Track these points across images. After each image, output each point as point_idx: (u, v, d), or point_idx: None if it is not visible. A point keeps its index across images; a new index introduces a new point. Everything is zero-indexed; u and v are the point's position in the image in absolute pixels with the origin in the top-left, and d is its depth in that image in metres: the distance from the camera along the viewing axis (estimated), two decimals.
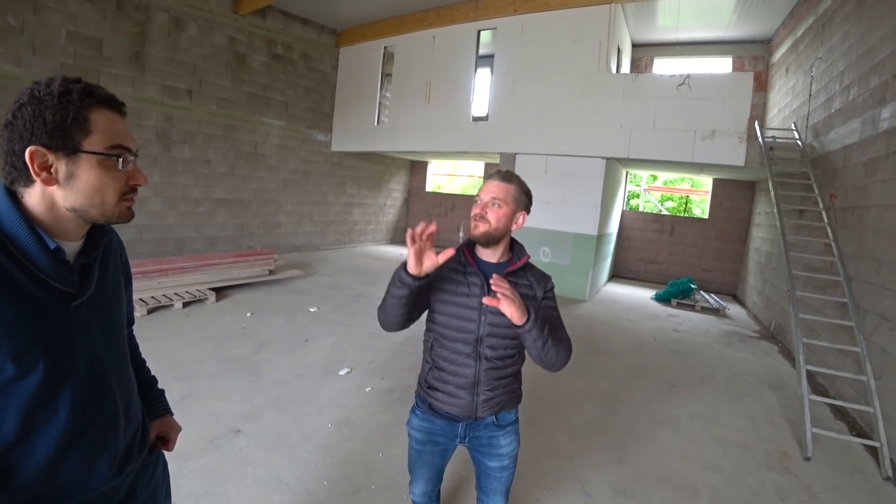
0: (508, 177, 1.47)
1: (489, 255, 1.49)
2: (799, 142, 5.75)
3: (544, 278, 1.53)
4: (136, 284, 5.01)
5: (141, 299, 4.85)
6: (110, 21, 6.22)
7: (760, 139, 5.68)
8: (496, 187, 1.44)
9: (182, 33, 7.05)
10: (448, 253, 1.30)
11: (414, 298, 1.37)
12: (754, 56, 8.46)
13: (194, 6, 7.14)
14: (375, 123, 9.41)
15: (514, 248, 1.54)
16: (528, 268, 1.52)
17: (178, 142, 7.20)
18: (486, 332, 1.44)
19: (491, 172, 1.50)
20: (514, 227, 1.46)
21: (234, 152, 8.06)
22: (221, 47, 7.62)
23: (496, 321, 1.43)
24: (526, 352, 1.52)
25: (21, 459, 0.79)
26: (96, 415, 0.88)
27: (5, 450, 0.78)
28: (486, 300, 1.27)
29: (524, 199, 1.48)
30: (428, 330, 1.56)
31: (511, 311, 1.25)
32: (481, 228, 1.42)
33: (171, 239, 7.31)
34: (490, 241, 1.44)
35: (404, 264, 1.32)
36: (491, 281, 1.28)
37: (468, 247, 1.52)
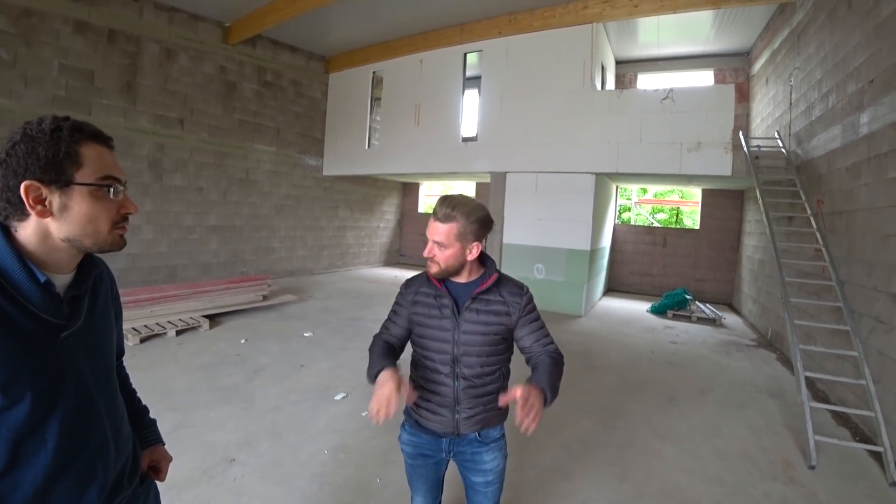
0: (448, 215, 1.40)
1: (458, 277, 1.51)
2: (783, 150, 5.84)
3: (518, 290, 1.52)
4: (129, 313, 4.96)
5: (134, 328, 4.79)
6: (102, 53, 6.30)
7: (745, 149, 5.77)
8: (436, 230, 1.42)
9: (173, 63, 7.14)
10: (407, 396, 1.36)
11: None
12: (735, 68, 8.65)
13: (185, 37, 7.26)
14: (366, 147, 9.50)
15: (486, 263, 1.54)
16: (501, 282, 1.51)
17: (169, 170, 7.22)
18: (461, 353, 1.48)
19: (435, 206, 1.44)
20: (469, 257, 1.45)
21: (225, 179, 8.09)
22: (212, 76, 7.72)
23: (469, 340, 1.47)
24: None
25: (8, 491, 0.79)
26: (85, 445, 0.89)
27: None
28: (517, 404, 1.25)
29: (473, 229, 1.41)
30: (414, 350, 1.61)
31: (538, 414, 1.24)
32: (433, 270, 1.46)
33: (164, 267, 7.27)
34: (448, 275, 1.48)
35: (376, 374, 1.37)
36: (517, 419, 1.22)
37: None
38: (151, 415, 1.28)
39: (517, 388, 1.27)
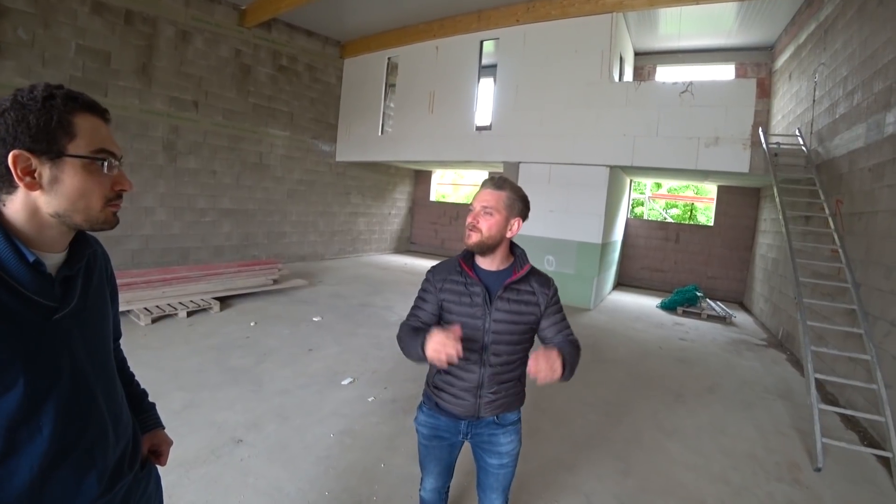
0: (500, 184, 1.47)
1: (488, 264, 1.51)
2: (803, 147, 5.71)
3: (546, 283, 1.55)
4: (141, 293, 5.04)
5: (146, 308, 4.87)
6: (119, 34, 6.32)
7: (765, 145, 5.65)
8: (487, 195, 1.45)
9: (188, 46, 7.15)
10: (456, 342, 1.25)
11: None
12: (757, 63, 8.45)
13: (201, 19, 7.25)
14: (379, 133, 9.46)
15: (517, 255, 1.55)
16: (531, 274, 1.53)
17: (183, 153, 7.27)
18: (491, 341, 1.48)
19: (485, 180, 1.50)
20: (508, 233, 1.47)
21: (239, 163, 8.13)
22: (227, 59, 7.71)
23: (500, 329, 1.48)
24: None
25: (4, 478, 0.76)
26: (82, 430, 0.86)
27: None
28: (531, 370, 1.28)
29: (518, 205, 1.48)
30: None
31: (551, 377, 1.26)
32: (474, 238, 1.44)
33: (177, 249, 7.35)
34: (484, 249, 1.46)
35: (423, 343, 1.30)
36: (529, 370, 1.28)
37: (466, 258, 1.53)
38: (161, 395, 1.28)
39: (539, 351, 1.28)
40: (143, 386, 1.26)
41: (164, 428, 1.25)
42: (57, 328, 0.82)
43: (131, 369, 1.24)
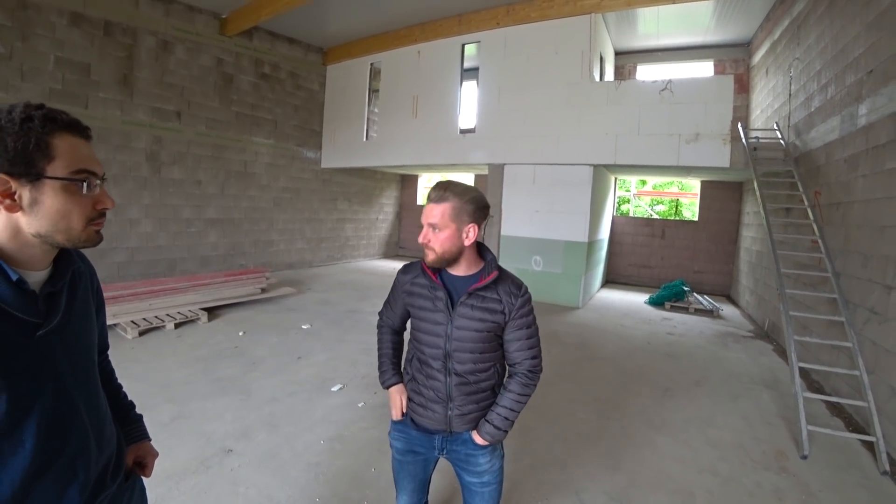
0: (441, 195, 1.37)
1: (454, 269, 1.46)
2: (782, 141, 5.82)
3: (516, 290, 1.45)
4: (127, 306, 4.99)
5: (133, 321, 4.82)
6: (98, 46, 6.26)
7: (744, 140, 5.75)
8: (431, 211, 1.37)
9: (170, 56, 7.10)
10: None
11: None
12: (735, 59, 8.60)
13: (181, 29, 7.21)
14: (364, 139, 9.47)
15: (487, 259, 1.48)
16: (500, 280, 1.45)
17: (167, 163, 7.21)
18: (453, 348, 1.44)
19: (429, 191, 1.41)
20: (466, 241, 1.39)
21: (224, 172, 8.08)
22: (209, 68, 7.68)
23: (462, 336, 1.43)
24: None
25: None
26: (64, 444, 0.87)
27: None
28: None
29: (468, 209, 1.36)
30: (409, 340, 1.58)
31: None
32: (430, 257, 1.40)
33: (163, 260, 7.28)
34: (445, 263, 1.42)
35: (385, 385, 1.64)
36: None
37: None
38: (149, 407, 1.30)
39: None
40: (130, 398, 1.26)
41: (150, 440, 1.25)
42: (41, 344, 0.84)
43: (118, 381, 1.24)
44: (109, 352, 1.21)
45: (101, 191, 0.89)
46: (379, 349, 1.67)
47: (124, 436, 1.14)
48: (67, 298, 0.92)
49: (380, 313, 1.68)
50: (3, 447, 0.78)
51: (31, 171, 0.78)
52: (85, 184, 0.84)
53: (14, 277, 0.79)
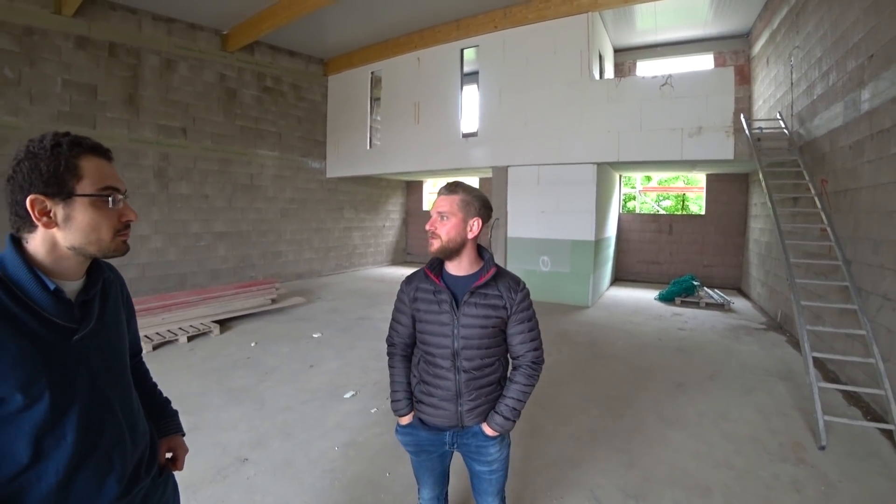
0: (452, 188, 1.49)
1: (456, 269, 1.54)
2: (785, 130, 5.78)
3: (515, 286, 1.54)
4: (141, 321, 5.04)
5: (146, 336, 4.88)
6: (103, 67, 6.40)
7: (747, 131, 5.71)
8: (441, 201, 1.48)
9: (173, 74, 7.22)
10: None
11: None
12: (735, 50, 8.56)
13: (184, 47, 7.34)
14: (368, 147, 9.54)
15: (485, 259, 1.56)
16: (498, 277, 1.53)
17: (175, 179, 7.32)
18: (460, 346, 1.50)
19: (440, 189, 1.53)
20: (470, 234, 1.48)
21: (230, 186, 8.18)
22: (212, 84, 7.79)
23: (469, 334, 1.49)
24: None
25: (33, 481, 0.87)
26: (101, 437, 0.96)
27: (19, 472, 0.86)
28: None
29: (475, 205, 1.48)
30: (417, 345, 1.63)
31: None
32: (435, 245, 1.48)
33: (174, 275, 7.37)
34: (447, 253, 1.49)
35: (398, 410, 1.63)
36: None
37: (433, 266, 1.56)
38: (173, 406, 1.36)
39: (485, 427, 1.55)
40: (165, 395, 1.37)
41: (183, 434, 1.34)
42: (77, 346, 0.93)
43: (153, 381, 1.36)
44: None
45: (125, 204, 0.99)
46: (392, 376, 1.67)
47: (159, 429, 1.25)
48: (100, 305, 1.02)
49: (387, 339, 1.69)
50: (47, 440, 0.88)
51: (63, 191, 0.89)
52: (110, 199, 0.94)
53: (52, 287, 0.89)
